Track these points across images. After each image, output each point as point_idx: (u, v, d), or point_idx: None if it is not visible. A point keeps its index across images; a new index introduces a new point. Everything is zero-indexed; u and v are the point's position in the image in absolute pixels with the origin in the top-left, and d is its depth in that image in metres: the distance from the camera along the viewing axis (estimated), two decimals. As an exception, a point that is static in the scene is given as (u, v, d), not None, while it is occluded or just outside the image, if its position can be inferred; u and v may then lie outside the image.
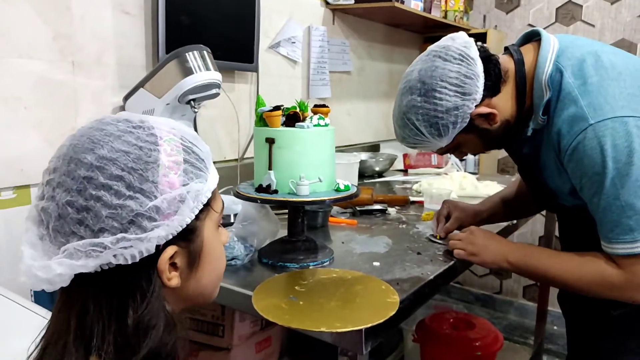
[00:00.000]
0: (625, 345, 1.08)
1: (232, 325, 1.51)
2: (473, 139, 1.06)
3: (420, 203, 1.73)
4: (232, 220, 1.28)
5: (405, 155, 2.48)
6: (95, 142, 0.53)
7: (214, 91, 1.40)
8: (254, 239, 1.15)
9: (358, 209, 1.60)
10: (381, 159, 2.32)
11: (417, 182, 2.04)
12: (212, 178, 0.59)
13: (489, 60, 1.01)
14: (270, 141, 1.06)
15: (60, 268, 0.50)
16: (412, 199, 1.76)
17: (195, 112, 1.42)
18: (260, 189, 1.07)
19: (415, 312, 2.51)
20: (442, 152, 1.12)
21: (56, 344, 0.53)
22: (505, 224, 1.44)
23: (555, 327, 2.73)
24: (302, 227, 1.15)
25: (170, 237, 0.53)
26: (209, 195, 0.57)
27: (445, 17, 2.63)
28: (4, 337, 0.92)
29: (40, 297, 1.33)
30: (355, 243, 1.28)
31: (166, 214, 0.52)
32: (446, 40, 1.04)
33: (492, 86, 1.01)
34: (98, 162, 0.51)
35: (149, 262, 0.53)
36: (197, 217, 0.56)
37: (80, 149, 0.52)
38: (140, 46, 1.53)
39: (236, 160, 1.88)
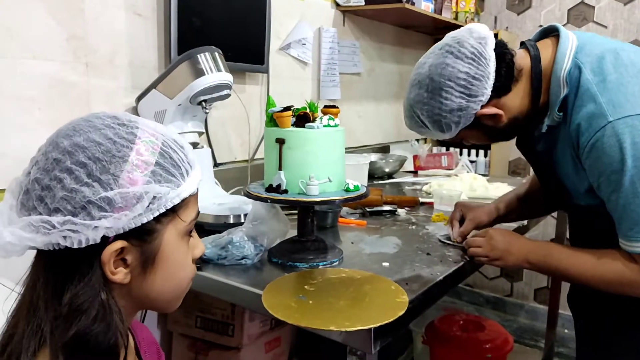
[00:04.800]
0: (636, 344, 1.07)
1: (241, 325, 1.52)
2: (477, 134, 1.07)
3: (430, 204, 1.73)
4: (242, 220, 1.29)
5: (415, 157, 2.48)
6: (76, 130, 0.56)
7: (225, 92, 1.41)
8: (264, 238, 1.16)
9: (367, 209, 1.60)
10: (391, 160, 2.32)
11: (427, 184, 2.04)
12: (187, 187, 0.59)
13: (502, 58, 1.00)
14: (281, 141, 1.07)
15: (10, 237, 0.53)
16: (422, 200, 1.76)
17: (207, 113, 1.44)
18: (270, 188, 1.08)
19: (424, 314, 2.51)
20: (449, 141, 1.12)
21: (17, 319, 0.56)
22: (515, 225, 1.43)
23: (566, 331, 2.70)
24: (312, 227, 1.16)
25: (122, 231, 0.54)
26: (177, 201, 0.58)
27: (456, 18, 2.63)
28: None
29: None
30: (364, 243, 1.29)
31: (117, 207, 0.53)
32: (463, 32, 1.03)
33: (501, 87, 1.00)
34: (71, 147, 0.54)
35: (96, 251, 0.54)
36: (157, 220, 0.57)
37: (61, 134, 0.56)
38: (153, 48, 1.55)
39: (246, 161, 1.89)
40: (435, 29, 2.80)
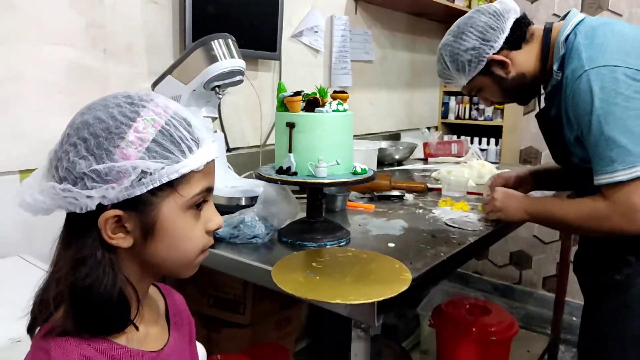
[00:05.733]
0: (630, 307, 1.16)
1: (252, 304, 1.57)
2: (489, 83, 1.28)
3: (438, 190, 1.76)
4: (253, 202, 1.34)
5: (425, 144, 2.50)
6: (90, 109, 0.62)
7: (237, 78, 1.45)
8: (274, 219, 1.20)
9: (376, 194, 1.64)
10: (401, 148, 2.34)
11: (436, 170, 2.06)
12: (187, 164, 0.61)
13: (518, 22, 1.24)
14: (291, 125, 1.10)
15: (29, 198, 0.61)
16: (430, 186, 1.79)
17: (220, 99, 1.47)
18: (280, 171, 1.12)
19: (432, 299, 2.55)
20: (467, 91, 1.35)
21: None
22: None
23: (574, 318, 2.73)
24: (321, 209, 1.20)
25: (116, 201, 0.59)
26: (174, 176, 0.61)
27: (469, 6, 2.63)
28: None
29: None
30: (371, 225, 1.33)
31: (106, 180, 0.58)
32: (496, 3, 1.27)
33: (514, 42, 1.23)
34: (80, 124, 0.60)
35: (96, 216, 0.60)
36: (153, 193, 0.60)
37: (79, 112, 0.62)
38: (168, 34, 1.60)
39: (259, 146, 1.94)
40: (448, 17, 2.80)
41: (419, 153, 2.49)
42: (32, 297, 0.64)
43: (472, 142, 2.87)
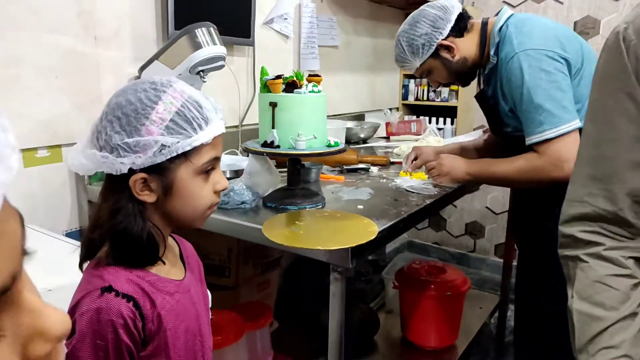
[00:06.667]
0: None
1: (236, 268, 1.75)
2: (438, 65, 1.54)
3: (399, 163, 1.96)
4: (237, 175, 1.50)
5: (387, 124, 2.70)
6: (124, 91, 0.77)
7: (220, 63, 1.60)
8: (259, 188, 1.37)
9: (345, 167, 1.83)
10: (365, 127, 2.54)
11: (397, 147, 2.27)
12: (198, 138, 0.76)
13: (461, 15, 1.51)
14: (273, 105, 1.27)
15: (76, 161, 0.77)
16: (392, 160, 2.00)
17: (204, 82, 1.62)
18: (265, 144, 1.29)
19: (396, 265, 2.77)
20: (419, 73, 1.60)
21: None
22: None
23: (521, 280, 3.02)
24: (299, 178, 1.38)
25: (142, 167, 0.74)
26: (187, 149, 0.75)
27: (425, -5, 2.82)
28: (47, 260, 1.16)
29: (70, 234, 1.55)
30: (342, 193, 1.52)
31: (134, 150, 0.73)
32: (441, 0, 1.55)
33: (458, 30, 1.50)
34: (114, 104, 0.75)
35: (128, 178, 0.75)
36: (171, 161, 0.75)
37: (115, 94, 0.78)
38: (152, 22, 1.72)
39: (236, 126, 2.09)
40: (407, 4, 3.00)
41: (381, 132, 2.70)
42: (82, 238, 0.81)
43: (430, 122, 3.09)
